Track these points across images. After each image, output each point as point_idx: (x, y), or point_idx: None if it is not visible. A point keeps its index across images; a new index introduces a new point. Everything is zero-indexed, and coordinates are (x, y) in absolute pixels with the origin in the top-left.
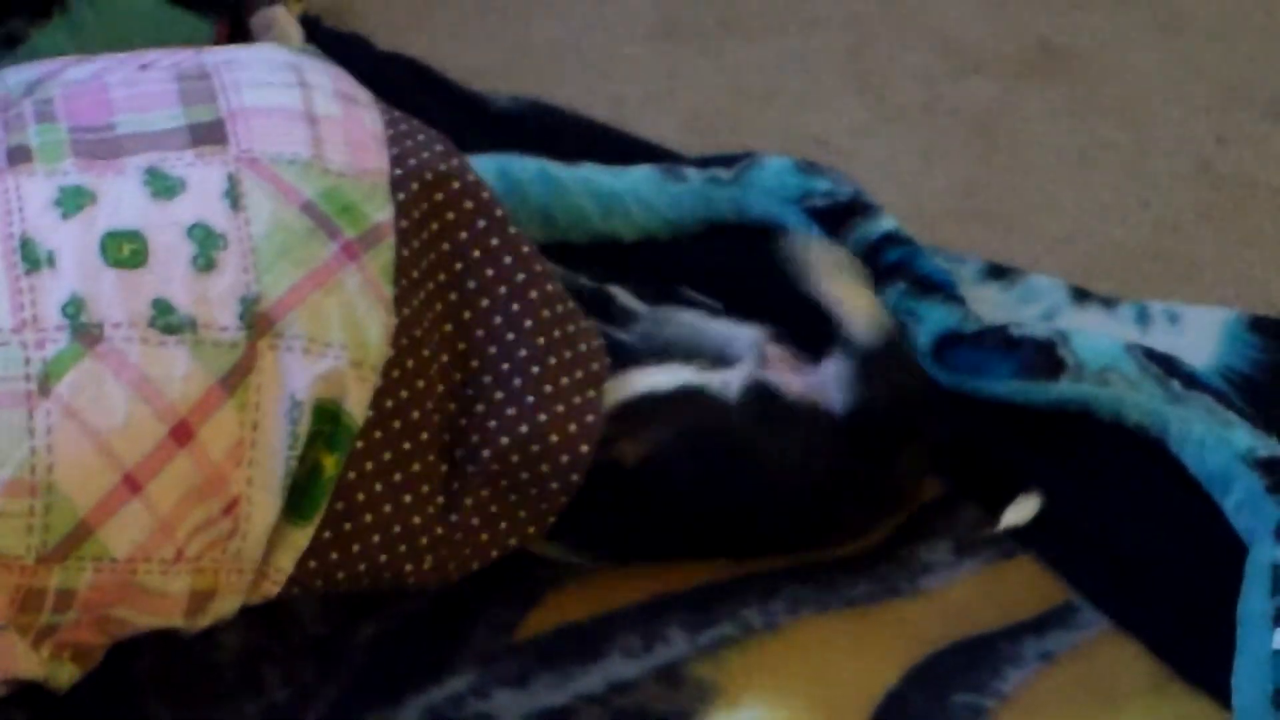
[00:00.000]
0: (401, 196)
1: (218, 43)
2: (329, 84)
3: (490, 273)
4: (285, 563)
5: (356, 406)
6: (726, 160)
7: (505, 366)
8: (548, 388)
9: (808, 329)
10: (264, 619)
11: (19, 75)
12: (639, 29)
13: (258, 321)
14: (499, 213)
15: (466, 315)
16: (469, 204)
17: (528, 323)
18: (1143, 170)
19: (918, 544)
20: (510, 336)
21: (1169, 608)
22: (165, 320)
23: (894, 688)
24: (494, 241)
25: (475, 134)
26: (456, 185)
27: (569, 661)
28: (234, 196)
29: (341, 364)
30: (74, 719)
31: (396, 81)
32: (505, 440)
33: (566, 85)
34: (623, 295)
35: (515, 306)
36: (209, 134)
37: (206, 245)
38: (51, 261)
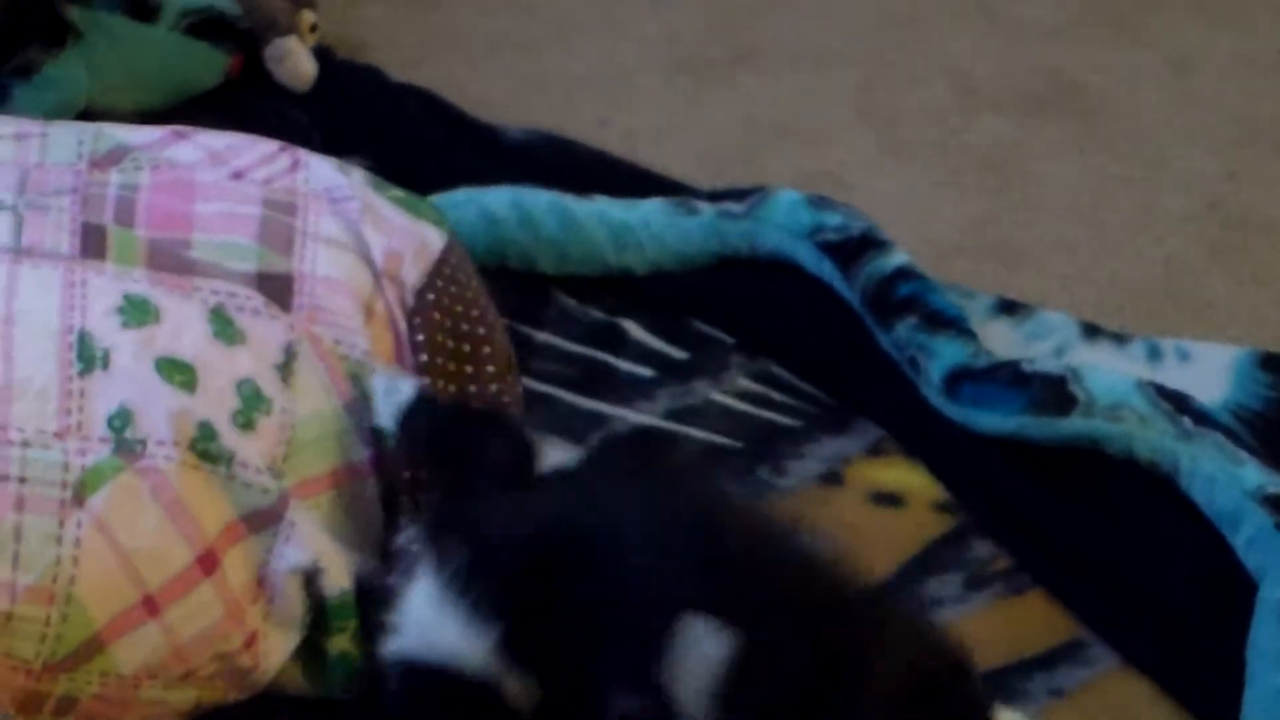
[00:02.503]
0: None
1: (232, 74)
2: (386, 256)
3: None
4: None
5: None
6: (739, 194)
7: None
8: None
9: (817, 362)
10: None
11: (109, 132)
12: (652, 62)
13: (286, 490)
14: None
15: None
16: None
17: None
18: (1154, 207)
19: (927, 578)
20: None
21: (1179, 644)
22: (206, 446)
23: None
24: None
25: (488, 166)
26: None
27: None
28: (287, 371)
29: (344, 560)
30: None
31: (409, 113)
32: None
33: (579, 118)
34: (635, 329)
35: None
36: (277, 289)
37: (250, 405)
38: (105, 363)
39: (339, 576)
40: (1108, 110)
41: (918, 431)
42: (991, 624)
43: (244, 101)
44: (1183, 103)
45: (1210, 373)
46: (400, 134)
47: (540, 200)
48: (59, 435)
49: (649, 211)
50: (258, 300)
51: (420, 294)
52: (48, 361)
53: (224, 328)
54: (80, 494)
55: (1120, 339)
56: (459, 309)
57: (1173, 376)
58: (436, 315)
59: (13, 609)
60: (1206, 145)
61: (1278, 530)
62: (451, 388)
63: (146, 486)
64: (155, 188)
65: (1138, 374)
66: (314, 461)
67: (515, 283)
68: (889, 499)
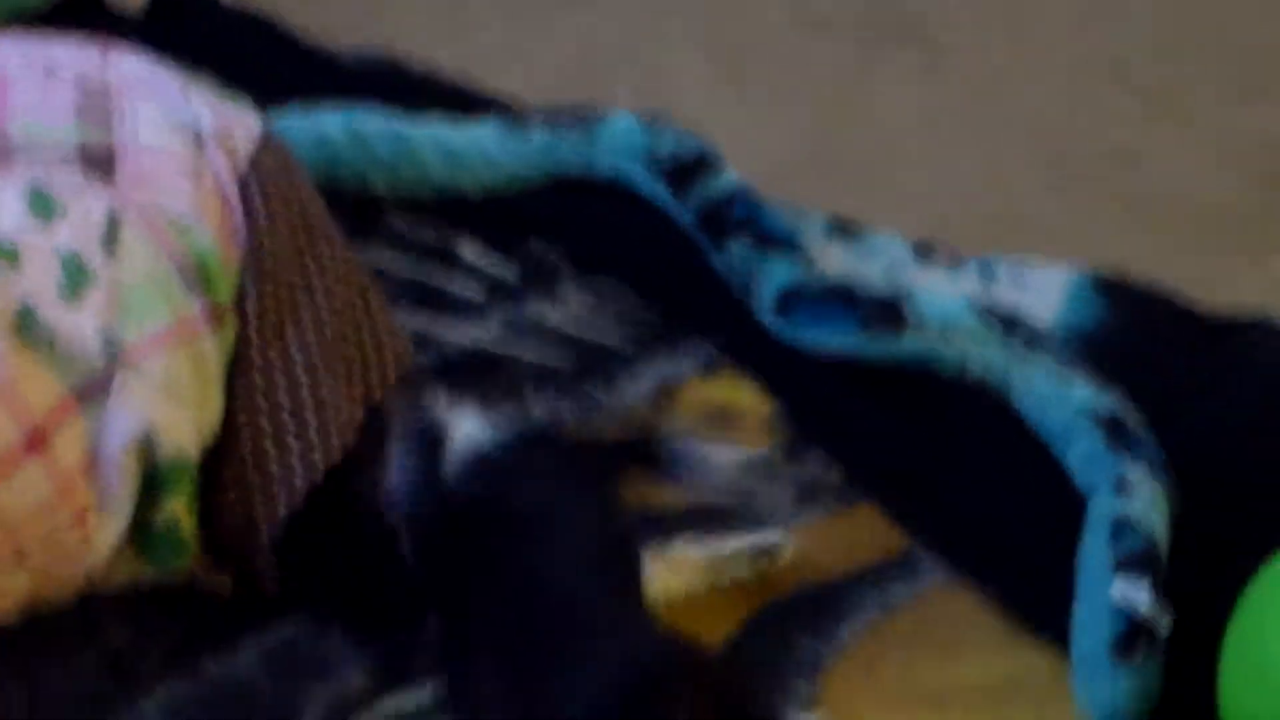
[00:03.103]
0: (247, 282)
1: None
2: (215, 131)
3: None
4: (123, 580)
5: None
6: (573, 116)
7: None
8: None
9: (650, 283)
10: None
11: None
12: None
13: (117, 354)
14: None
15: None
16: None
17: None
18: (991, 134)
19: (757, 492)
20: None
21: (1009, 559)
22: (28, 329)
23: (735, 636)
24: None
25: (321, 88)
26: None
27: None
28: (110, 239)
29: (189, 418)
30: None
31: (241, 36)
32: None
33: (413, 42)
34: (468, 250)
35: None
36: (98, 162)
37: (76, 279)
38: None
39: (177, 436)
40: (948, 40)
41: (750, 351)
42: (821, 538)
43: (73, 24)
44: (1023, 33)
45: (1043, 294)
46: (232, 56)
47: (372, 121)
48: None
49: (482, 133)
50: (77, 175)
51: (254, 163)
52: None
53: (42, 205)
54: None
55: (953, 260)
56: (295, 182)
57: (1006, 296)
58: (272, 185)
59: None
60: (1042, 74)
61: (1108, 447)
62: (292, 263)
63: None
64: None
65: (971, 295)
66: (148, 322)
67: (346, 204)
68: (722, 416)
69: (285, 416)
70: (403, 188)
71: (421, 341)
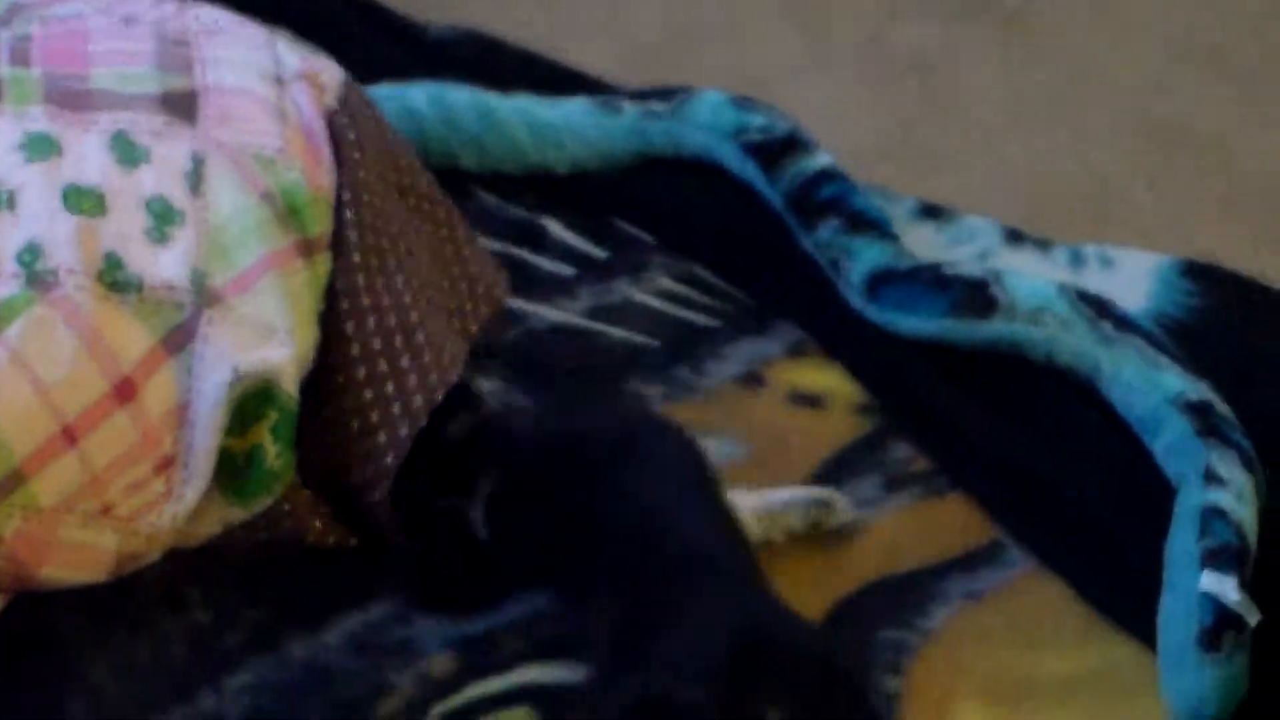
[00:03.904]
0: (348, 214)
1: None
2: (299, 73)
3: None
4: (214, 529)
5: (292, 391)
6: (662, 94)
7: None
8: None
9: (738, 263)
10: None
11: None
12: None
13: (206, 294)
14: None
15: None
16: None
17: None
18: (1081, 117)
19: (846, 479)
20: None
21: (1096, 549)
22: (114, 276)
23: (820, 624)
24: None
25: (410, 62)
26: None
27: (492, 590)
28: (196, 179)
29: (285, 352)
30: None
31: (333, 14)
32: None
33: (504, 18)
34: (556, 227)
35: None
36: (180, 107)
37: (163, 220)
38: (11, 203)
39: (264, 372)
40: (1037, 21)
41: (839, 333)
42: (909, 526)
43: None
44: (1115, 15)
45: (1133, 280)
46: (322, 28)
47: (461, 96)
48: None
49: (571, 110)
50: (158, 121)
51: (343, 100)
52: None
53: (127, 152)
54: None
55: (1043, 245)
56: (382, 123)
57: (1095, 283)
58: (362, 122)
59: None
60: (1135, 57)
61: (1197, 436)
62: (387, 200)
63: (60, 318)
64: (48, 36)
65: (1060, 279)
66: (237, 261)
67: (435, 179)
68: (808, 400)
69: (399, 347)
70: (491, 163)
71: (511, 317)
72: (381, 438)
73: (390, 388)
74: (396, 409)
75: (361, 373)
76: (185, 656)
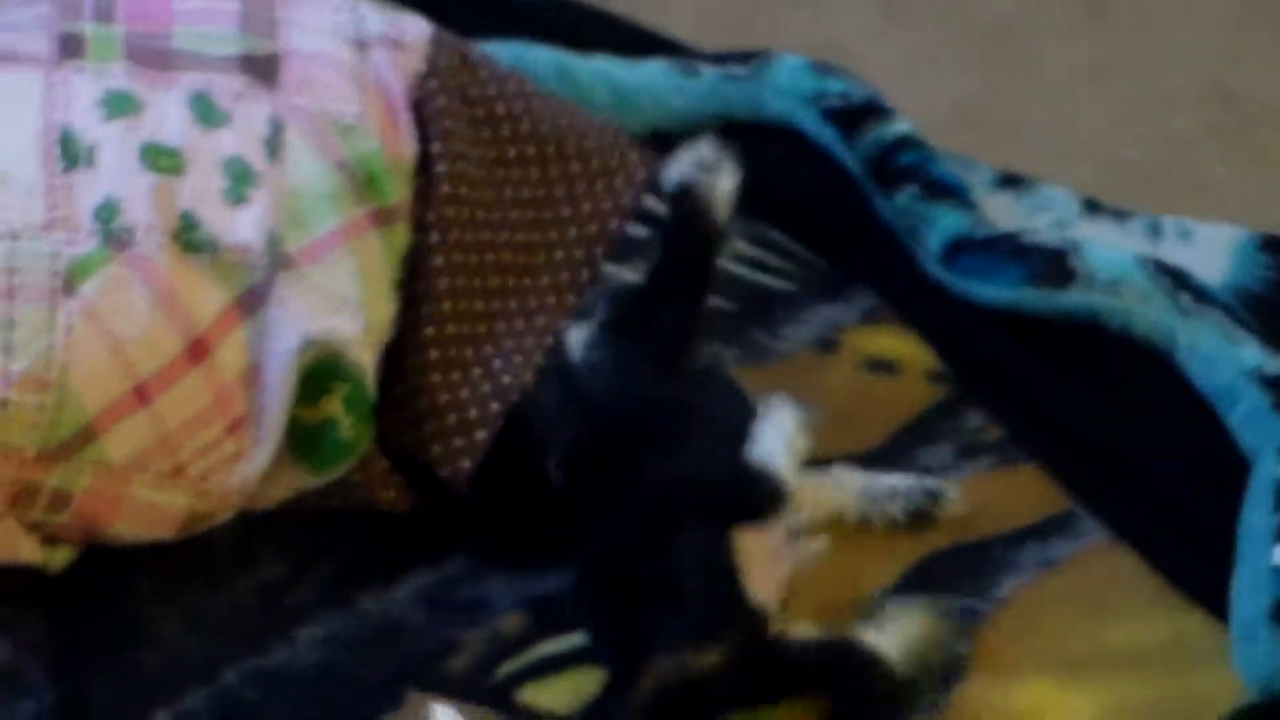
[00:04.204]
0: (420, 181)
1: None
2: (382, 36)
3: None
4: (285, 495)
5: (364, 367)
6: (741, 57)
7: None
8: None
9: (815, 228)
10: None
11: None
12: None
13: (280, 258)
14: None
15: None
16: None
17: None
18: (1156, 86)
19: (920, 447)
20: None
21: (1170, 521)
22: (190, 235)
23: (889, 589)
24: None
25: (492, 23)
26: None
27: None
28: (274, 144)
29: (357, 325)
30: (59, 591)
31: None
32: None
33: None
34: None
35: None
36: (261, 70)
37: (240, 182)
38: (90, 159)
39: (337, 341)
40: None
41: (914, 300)
42: (983, 493)
43: None
44: None
45: (1211, 252)
46: None
47: (542, 57)
48: (46, 228)
49: (651, 72)
50: (239, 83)
51: (431, 63)
52: (28, 160)
53: (207, 112)
54: (71, 283)
55: (1121, 215)
56: (481, 77)
57: (1173, 255)
58: (453, 84)
59: (6, 396)
60: (1211, 26)
61: (1274, 410)
62: (480, 161)
63: (136, 276)
64: None
65: (1138, 250)
66: (311, 227)
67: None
68: (883, 366)
69: (479, 334)
70: None
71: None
72: (452, 419)
73: (459, 375)
74: (466, 394)
75: (434, 354)
76: (256, 610)
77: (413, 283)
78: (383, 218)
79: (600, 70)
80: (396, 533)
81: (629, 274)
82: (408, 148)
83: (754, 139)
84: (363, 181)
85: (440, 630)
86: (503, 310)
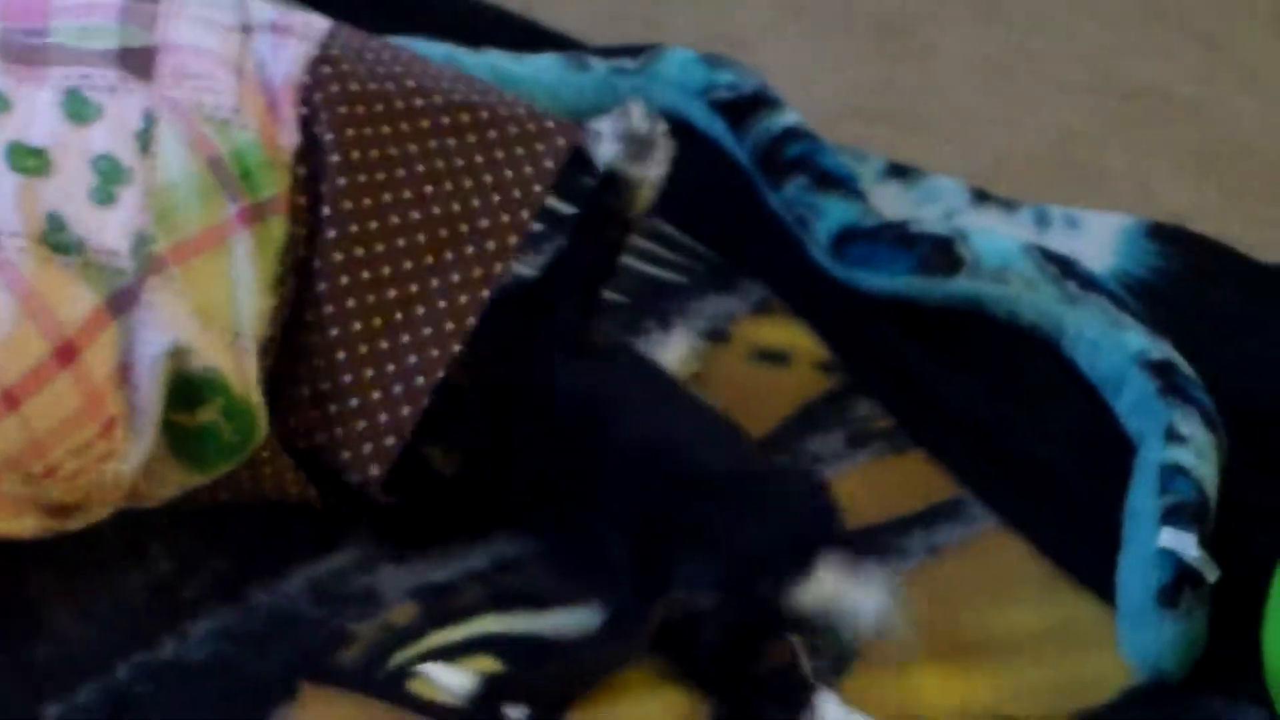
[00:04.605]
0: (302, 171)
1: None
2: (270, 23)
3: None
4: (169, 494)
5: (238, 376)
6: (631, 51)
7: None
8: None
9: (706, 220)
10: None
11: None
12: None
13: (149, 260)
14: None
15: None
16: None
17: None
18: (1050, 79)
19: (809, 435)
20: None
21: (1058, 506)
22: (56, 237)
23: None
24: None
25: (382, 19)
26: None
27: (454, 539)
28: (147, 138)
29: (224, 330)
30: None
31: None
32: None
33: None
34: None
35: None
36: (137, 62)
37: (109, 179)
38: None
39: (209, 344)
40: None
41: (804, 291)
42: (872, 481)
43: None
44: None
45: (1098, 240)
46: None
47: (433, 52)
48: None
49: (541, 66)
50: (113, 76)
51: (324, 50)
52: None
53: (79, 108)
54: None
55: (1009, 205)
56: (377, 70)
57: (1060, 243)
58: (349, 73)
59: None
60: (1104, 18)
61: (1159, 395)
62: (376, 152)
63: (0, 280)
64: None
65: (1025, 239)
66: (181, 226)
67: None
68: (773, 357)
69: (393, 313)
70: None
71: None
72: (362, 424)
73: (371, 374)
74: (377, 397)
75: (341, 355)
76: (148, 604)
77: (313, 281)
78: (257, 213)
79: (491, 64)
80: (286, 524)
81: (520, 268)
82: (288, 139)
83: None
84: (236, 176)
85: (332, 622)
86: (421, 292)
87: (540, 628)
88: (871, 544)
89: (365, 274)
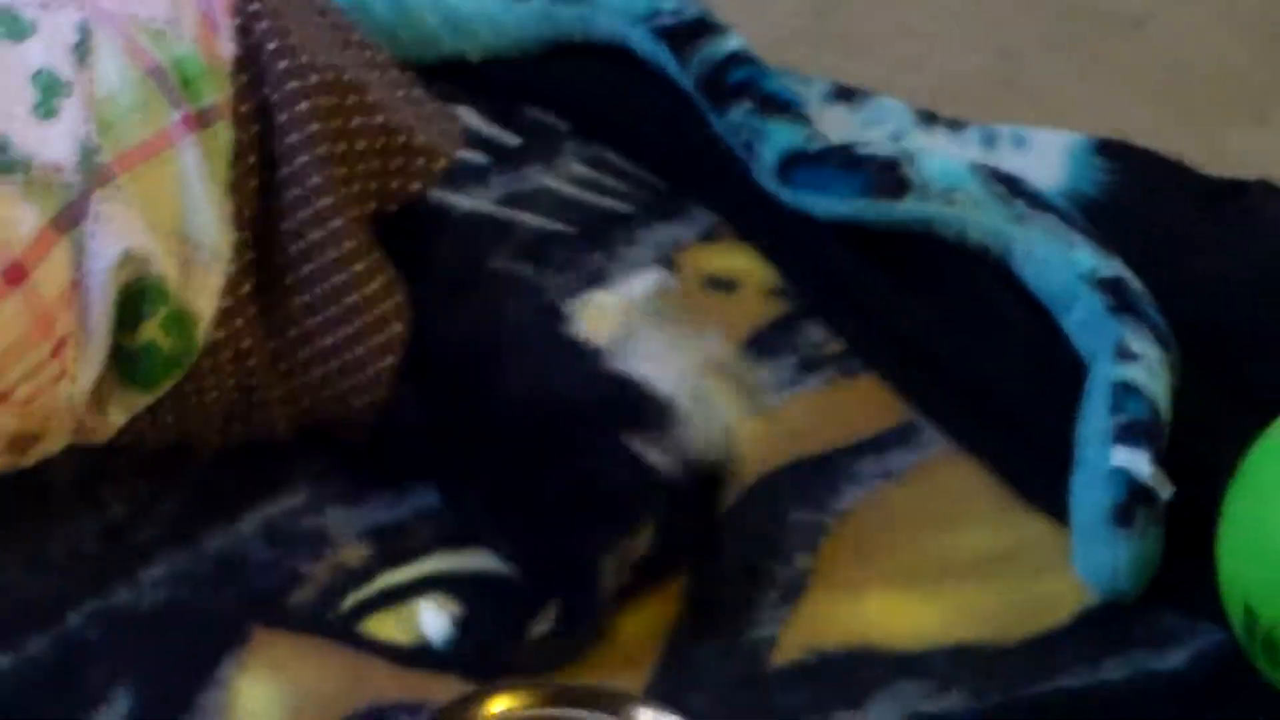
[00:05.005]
0: (244, 79)
1: None
2: None
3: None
4: (118, 419)
5: (190, 290)
6: None
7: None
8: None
9: (651, 148)
10: None
11: None
12: None
13: (95, 171)
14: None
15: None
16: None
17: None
18: None
19: (760, 361)
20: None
21: (1010, 428)
22: (2, 158)
23: (731, 506)
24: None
25: None
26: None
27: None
28: (83, 50)
29: (171, 236)
30: None
31: None
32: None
33: None
34: (469, 116)
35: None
36: None
37: (50, 93)
38: None
39: (156, 255)
40: None
41: (751, 216)
42: (823, 407)
43: None
44: None
45: (1046, 158)
46: None
47: None
48: None
49: None
50: None
51: None
52: None
53: (12, 25)
54: None
55: (955, 125)
56: None
57: (1008, 162)
58: None
59: None
60: None
61: (1110, 312)
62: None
63: None
64: None
65: (973, 160)
66: (131, 131)
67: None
68: (722, 284)
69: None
70: (402, 52)
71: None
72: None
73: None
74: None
75: (279, 255)
76: (99, 551)
77: (266, 201)
78: (201, 120)
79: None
80: (238, 467)
81: (464, 200)
82: (226, 49)
83: (587, 60)
84: (177, 84)
85: (283, 563)
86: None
87: (490, 565)
88: (824, 470)
89: (310, 162)
